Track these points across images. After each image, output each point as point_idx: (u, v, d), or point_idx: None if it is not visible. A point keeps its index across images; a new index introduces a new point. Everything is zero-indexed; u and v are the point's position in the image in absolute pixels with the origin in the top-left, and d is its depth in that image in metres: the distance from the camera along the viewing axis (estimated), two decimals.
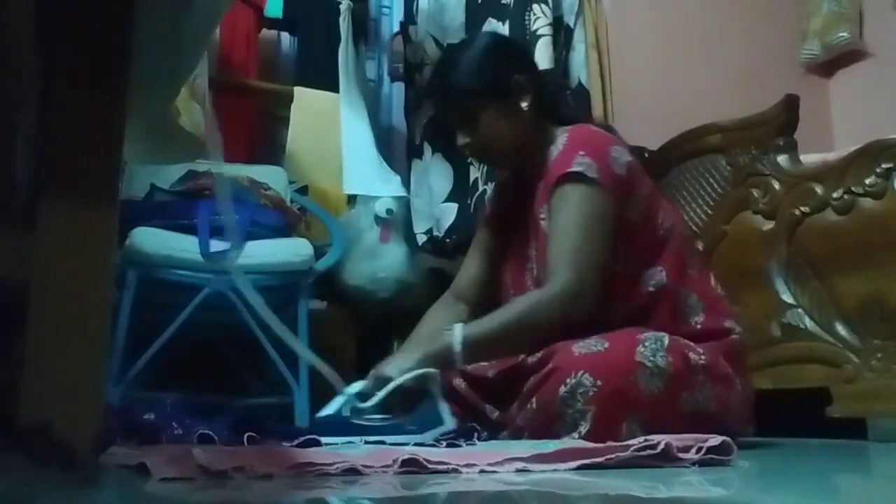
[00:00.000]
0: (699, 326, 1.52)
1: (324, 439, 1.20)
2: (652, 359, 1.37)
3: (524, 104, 1.60)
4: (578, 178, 1.48)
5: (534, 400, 1.39)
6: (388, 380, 1.37)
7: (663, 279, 1.53)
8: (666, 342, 1.41)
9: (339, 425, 1.32)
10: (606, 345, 1.39)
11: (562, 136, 1.57)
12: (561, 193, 1.50)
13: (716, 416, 1.43)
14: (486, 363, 1.58)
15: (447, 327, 1.47)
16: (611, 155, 1.53)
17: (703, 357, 1.44)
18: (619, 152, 1.56)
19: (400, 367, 1.39)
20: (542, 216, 1.56)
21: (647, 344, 1.39)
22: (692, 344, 1.46)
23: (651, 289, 1.52)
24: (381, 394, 1.35)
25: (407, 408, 1.36)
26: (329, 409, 1.38)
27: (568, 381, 1.35)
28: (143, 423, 1.26)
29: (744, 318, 1.67)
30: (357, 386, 1.40)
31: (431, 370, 1.38)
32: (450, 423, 1.33)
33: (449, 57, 1.73)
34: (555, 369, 1.37)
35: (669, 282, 1.53)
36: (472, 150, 1.63)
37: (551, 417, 1.36)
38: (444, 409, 1.35)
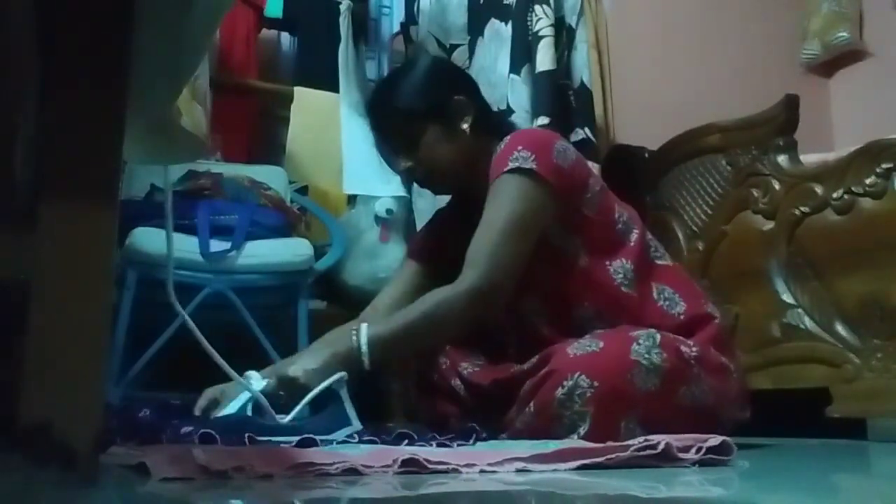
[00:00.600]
0: (682, 317, 1.52)
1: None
2: (647, 356, 1.37)
3: (465, 125, 1.58)
4: (513, 171, 1.46)
5: (531, 403, 1.39)
6: (292, 380, 1.33)
7: (631, 271, 1.52)
8: (658, 339, 1.40)
9: (241, 425, 1.24)
10: (601, 344, 1.38)
11: (503, 142, 1.53)
12: (493, 189, 1.48)
13: (714, 408, 1.43)
14: (480, 378, 1.57)
15: (353, 327, 1.43)
16: (554, 148, 1.50)
17: (694, 349, 1.44)
18: (564, 147, 1.54)
19: (304, 368, 1.36)
20: None
21: (641, 342, 1.38)
22: (682, 338, 1.46)
23: (620, 281, 1.51)
24: (299, 406, 1.30)
25: (313, 408, 1.33)
26: (230, 409, 1.32)
27: (565, 383, 1.34)
28: (141, 422, 1.26)
29: (730, 312, 1.66)
30: (259, 384, 1.34)
31: (341, 374, 1.33)
32: (357, 424, 1.30)
33: (388, 80, 1.71)
34: (551, 372, 1.37)
35: (639, 274, 1.52)
36: (414, 173, 1.61)
37: (549, 420, 1.35)
38: (351, 409, 1.31)
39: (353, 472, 0.95)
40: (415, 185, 2.74)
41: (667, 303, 1.53)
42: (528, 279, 1.49)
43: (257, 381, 1.35)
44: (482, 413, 1.52)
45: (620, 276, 1.52)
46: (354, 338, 1.39)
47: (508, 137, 1.53)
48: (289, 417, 1.29)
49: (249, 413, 1.32)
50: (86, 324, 0.76)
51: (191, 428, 1.13)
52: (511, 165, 1.46)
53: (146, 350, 2.05)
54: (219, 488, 0.85)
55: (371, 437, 1.23)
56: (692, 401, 1.41)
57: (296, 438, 1.14)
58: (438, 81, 1.62)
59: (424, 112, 1.57)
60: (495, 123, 1.67)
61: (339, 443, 1.23)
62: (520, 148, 1.48)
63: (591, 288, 1.52)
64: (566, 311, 1.53)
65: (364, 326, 1.41)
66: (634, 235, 1.57)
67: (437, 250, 1.70)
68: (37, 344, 0.74)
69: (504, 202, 1.46)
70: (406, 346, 1.49)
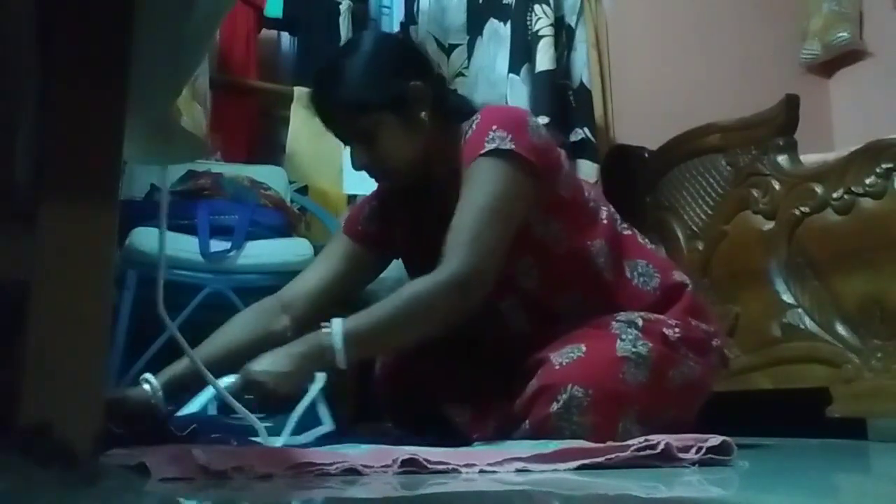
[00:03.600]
0: (657, 292, 1.50)
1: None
2: (634, 350, 1.35)
3: (423, 113, 1.46)
4: (491, 153, 1.37)
5: (527, 421, 1.36)
6: (260, 384, 1.25)
7: (608, 252, 1.49)
8: (640, 324, 1.39)
9: (208, 424, 1.23)
10: (584, 348, 1.36)
11: (473, 122, 1.43)
12: (470, 172, 1.38)
13: (702, 378, 1.45)
14: (474, 427, 1.48)
15: (325, 324, 1.32)
16: (528, 124, 1.43)
17: (677, 330, 1.43)
18: (536, 124, 1.46)
19: (271, 371, 1.26)
20: None
21: (624, 337, 1.37)
22: (662, 317, 1.44)
23: (600, 262, 1.48)
24: (299, 409, 1.26)
25: (283, 408, 1.27)
26: (192, 407, 1.29)
27: (559, 397, 1.31)
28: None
29: (730, 312, 1.67)
30: (225, 381, 1.28)
31: (322, 378, 1.29)
32: (329, 423, 1.28)
33: (334, 66, 1.47)
34: (543, 389, 1.34)
35: (614, 252, 1.50)
36: (367, 165, 1.47)
37: (548, 433, 1.32)
38: (323, 409, 1.29)
39: (352, 472, 0.95)
40: None
41: (642, 279, 1.50)
42: (509, 275, 1.44)
43: (224, 379, 1.29)
44: (465, 415, 1.51)
45: (602, 259, 1.48)
46: (326, 337, 1.29)
47: (478, 116, 1.43)
48: (280, 441, 1.23)
49: (212, 412, 1.29)
50: (86, 324, 0.76)
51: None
52: (488, 147, 1.37)
53: (146, 350, 2.05)
54: (219, 488, 0.85)
55: (344, 438, 1.23)
56: (682, 380, 1.41)
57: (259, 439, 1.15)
58: (390, 68, 1.46)
59: (377, 104, 1.42)
60: (455, 105, 1.55)
61: (310, 444, 1.22)
62: (494, 127, 1.38)
63: (575, 274, 1.47)
64: (550, 303, 1.49)
65: (337, 322, 1.31)
66: (604, 212, 1.53)
67: (380, 234, 1.60)
68: (37, 344, 0.74)
69: (483, 185, 1.36)
70: (385, 342, 1.41)
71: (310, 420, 1.27)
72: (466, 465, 1.00)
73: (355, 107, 1.43)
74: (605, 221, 1.52)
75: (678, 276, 1.55)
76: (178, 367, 1.37)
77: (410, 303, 1.33)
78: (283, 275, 2.22)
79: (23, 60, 0.89)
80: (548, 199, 1.44)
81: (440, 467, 0.99)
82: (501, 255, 1.37)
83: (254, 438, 1.20)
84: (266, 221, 2.28)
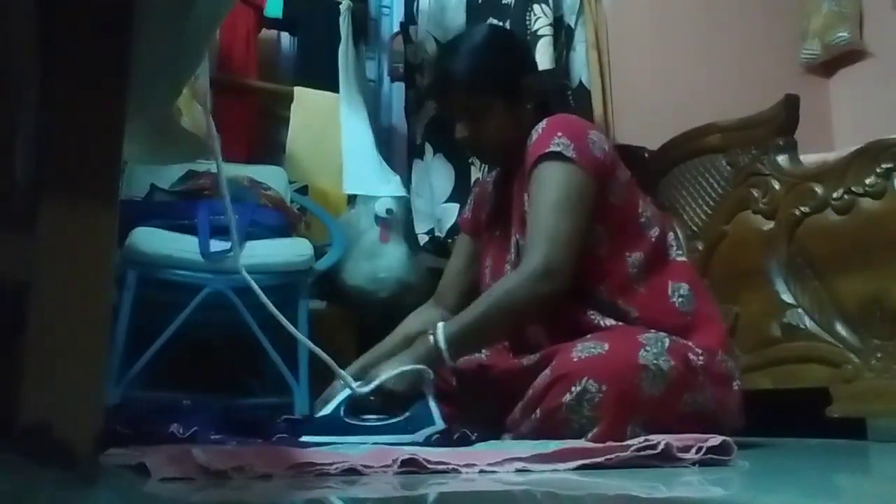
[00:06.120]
0: (691, 318, 1.52)
1: (322, 439, 1.23)
2: (655, 362, 1.36)
3: (529, 107, 1.62)
4: (555, 156, 1.49)
5: (538, 410, 1.38)
6: (380, 386, 1.38)
7: (643, 265, 1.53)
8: (667, 344, 1.40)
9: (335, 425, 1.33)
10: (606, 346, 1.38)
11: (541, 124, 1.56)
12: (538, 173, 1.51)
13: (714, 415, 1.44)
14: (476, 367, 1.59)
15: (429, 330, 1.46)
16: (589, 138, 1.54)
17: (701, 358, 1.44)
18: (598, 137, 1.57)
19: (390, 373, 1.39)
20: (525, 205, 1.56)
21: (648, 348, 1.38)
22: (690, 344, 1.46)
23: (634, 275, 1.53)
24: (372, 384, 1.37)
25: (400, 408, 1.37)
26: (327, 410, 1.39)
27: (573, 388, 1.33)
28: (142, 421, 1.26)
29: (730, 312, 1.67)
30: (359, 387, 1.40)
31: (424, 368, 1.39)
32: (440, 423, 1.34)
33: (456, 48, 1.66)
34: (558, 378, 1.36)
35: (652, 269, 1.54)
36: (469, 143, 1.63)
37: (558, 424, 1.34)
38: (435, 409, 1.36)
39: (352, 472, 0.96)
40: (413, 185, 2.75)
41: (681, 300, 1.53)
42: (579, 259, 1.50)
43: (357, 384, 1.41)
44: (479, 414, 1.52)
45: (635, 270, 1.53)
46: (432, 338, 1.43)
47: (544, 122, 1.56)
48: (366, 389, 1.36)
49: (342, 414, 1.37)
50: (86, 324, 0.76)
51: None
52: (551, 149, 1.49)
53: (146, 350, 2.05)
54: (219, 488, 0.85)
55: (457, 439, 1.28)
56: (694, 408, 1.41)
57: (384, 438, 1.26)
58: (509, 60, 1.63)
59: (493, 89, 1.58)
60: (550, 104, 1.70)
61: (422, 443, 1.28)
62: (559, 134, 1.51)
63: (606, 275, 1.52)
64: (579, 295, 1.52)
65: (440, 325, 1.44)
66: (655, 231, 1.58)
67: (478, 220, 1.77)
68: (37, 344, 0.74)
69: (553, 184, 1.48)
70: (482, 337, 1.52)
71: (422, 419, 1.34)
72: (466, 465, 1.00)
73: (473, 86, 1.58)
74: (652, 240, 1.57)
75: (716, 309, 1.60)
76: (364, 359, 1.60)
77: (502, 299, 1.45)
78: (284, 275, 2.23)
79: (23, 60, 0.89)
80: (598, 204, 1.52)
81: (440, 467, 0.99)
82: (577, 247, 1.47)
83: (377, 439, 1.28)
84: (266, 221, 2.28)
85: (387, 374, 1.38)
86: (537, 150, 1.51)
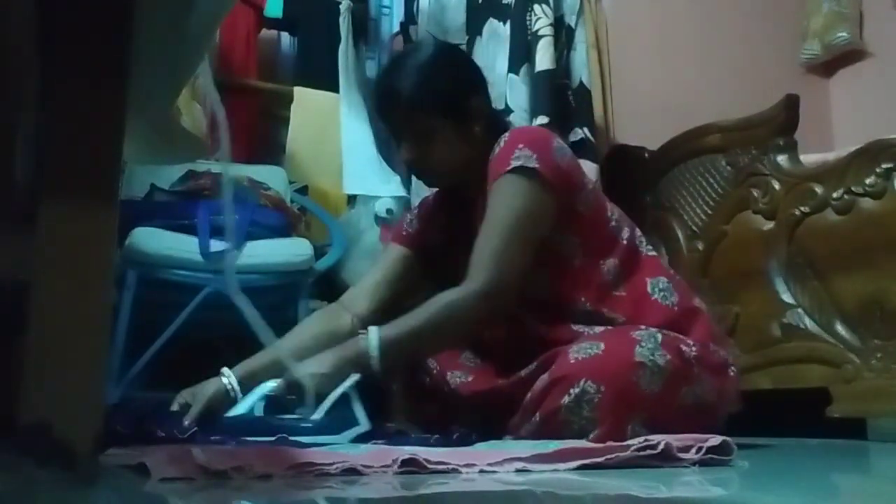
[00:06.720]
0: (676, 309, 1.52)
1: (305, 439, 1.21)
2: (651, 358, 1.36)
3: (477, 128, 1.55)
4: (516, 171, 1.45)
5: (537, 413, 1.37)
6: (301, 385, 1.32)
7: (619, 271, 1.53)
8: (660, 339, 1.40)
9: (251, 425, 1.29)
10: (602, 346, 1.37)
11: (502, 140, 1.51)
12: (497, 185, 1.47)
13: (714, 405, 1.45)
14: (474, 388, 1.56)
15: (361, 331, 1.42)
16: (553, 146, 1.51)
17: (694, 349, 1.44)
18: (561, 145, 1.55)
19: (314, 372, 1.33)
20: None
21: (643, 344, 1.38)
22: (682, 336, 1.46)
23: (610, 280, 1.52)
24: (326, 403, 1.30)
25: (314, 407, 1.32)
26: (240, 408, 1.34)
27: (572, 390, 1.33)
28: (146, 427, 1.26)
29: (730, 312, 1.68)
30: (269, 386, 1.36)
31: (355, 377, 1.33)
32: (365, 423, 1.31)
33: (402, 65, 1.58)
34: (556, 380, 1.36)
35: (628, 271, 1.53)
36: (415, 164, 1.58)
37: (558, 426, 1.34)
38: (360, 410, 1.32)
39: (352, 472, 0.96)
40: (413, 185, 2.75)
41: (662, 294, 1.53)
42: (523, 280, 1.48)
43: (268, 383, 1.37)
44: (479, 419, 1.51)
45: (611, 277, 1.53)
46: (363, 341, 1.38)
47: (507, 135, 1.52)
48: (316, 415, 1.29)
49: (259, 413, 1.34)
50: (86, 324, 0.76)
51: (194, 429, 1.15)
52: (513, 164, 1.45)
53: (146, 350, 2.05)
54: (218, 488, 0.85)
55: (379, 438, 1.26)
56: (693, 400, 1.41)
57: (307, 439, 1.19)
58: (457, 80, 1.57)
59: (440, 111, 1.52)
60: (500, 124, 1.64)
61: (349, 442, 1.25)
62: (521, 146, 1.47)
63: (584, 286, 1.52)
64: (560, 309, 1.52)
65: (373, 330, 1.39)
66: (626, 233, 1.58)
67: (425, 239, 1.69)
68: (37, 344, 0.74)
69: (508, 202, 1.45)
70: (416, 349, 1.47)
71: (347, 420, 1.31)
72: (466, 465, 1.00)
73: (419, 107, 1.51)
74: (624, 242, 1.56)
75: (697, 301, 1.59)
76: (254, 362, 1.46)
77: (441, 312, 1.42)
78: (284, 275, 2.23)
79: (23, 60, 0.89)
80: (567, 216, 1.50)
81: (440, 467, 0.99)
82: (522, 270, 1.45)
83: (295, 438, 1.23)
84: (266, 221, 2.28)
85: (312, 372, 1.33)
86: (499, 168, 1.47)
